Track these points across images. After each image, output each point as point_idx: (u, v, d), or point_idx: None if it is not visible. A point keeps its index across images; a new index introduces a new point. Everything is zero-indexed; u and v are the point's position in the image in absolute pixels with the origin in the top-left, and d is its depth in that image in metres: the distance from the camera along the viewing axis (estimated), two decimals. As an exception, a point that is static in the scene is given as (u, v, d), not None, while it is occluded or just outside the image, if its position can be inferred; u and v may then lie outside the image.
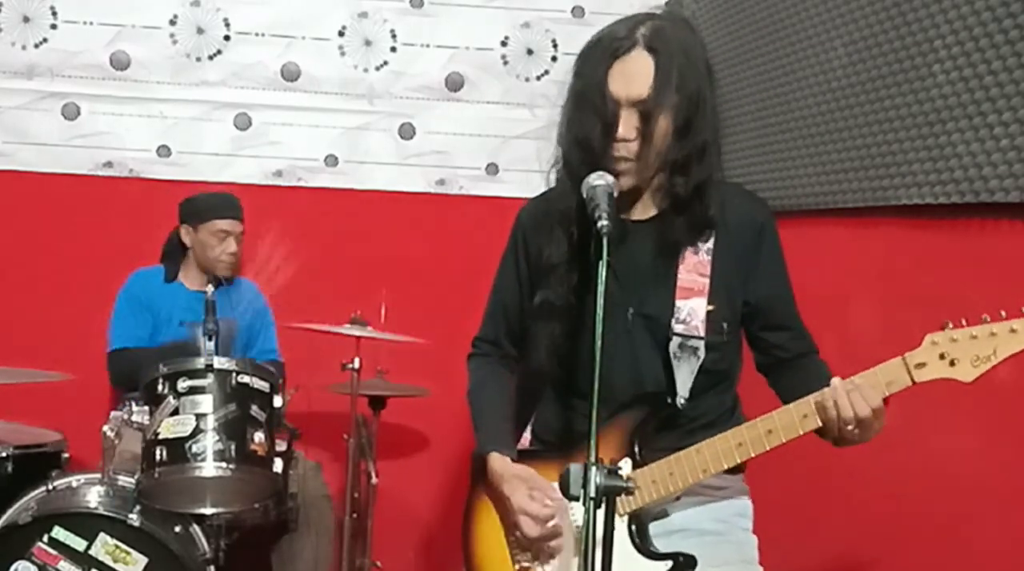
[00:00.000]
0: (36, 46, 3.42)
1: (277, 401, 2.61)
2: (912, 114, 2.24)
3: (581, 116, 1.71)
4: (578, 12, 3.59)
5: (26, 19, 3.41)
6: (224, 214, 3.19)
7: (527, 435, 2.00)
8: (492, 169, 3.63)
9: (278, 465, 2.56)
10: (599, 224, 1.52)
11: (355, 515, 3.02)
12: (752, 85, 2.95)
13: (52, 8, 3.41)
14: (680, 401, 1.76)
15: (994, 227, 2.04)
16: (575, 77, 1.75)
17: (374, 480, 2.99)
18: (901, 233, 2.34)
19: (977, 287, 2.00)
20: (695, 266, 1.77)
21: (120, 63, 3.46)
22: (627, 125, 1.67)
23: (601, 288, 1.47)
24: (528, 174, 3.21)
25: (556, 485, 1.78)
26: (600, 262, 1.48)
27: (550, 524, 1.78)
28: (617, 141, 1.68)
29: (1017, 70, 1.92)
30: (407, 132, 3.61)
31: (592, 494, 1.42)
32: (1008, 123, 1.95)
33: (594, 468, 1.42)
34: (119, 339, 3.16)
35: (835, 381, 1.60)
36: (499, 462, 1.84)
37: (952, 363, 1.52)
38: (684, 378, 1.76)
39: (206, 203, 3.21)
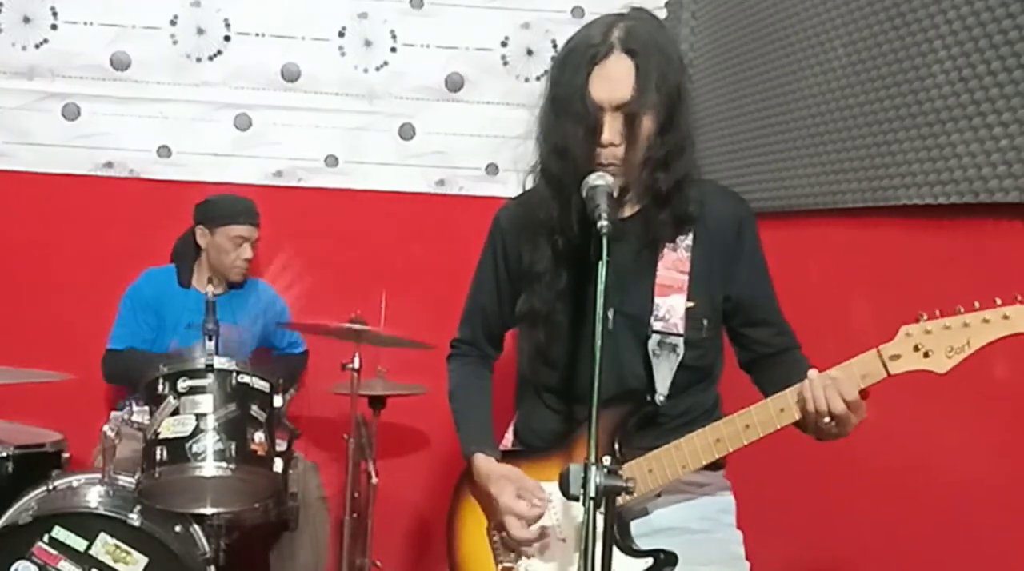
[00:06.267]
0: (36, 46, 3.42)
1: (277, 401, 2.62)
2: (912, 114, 2.24)
3: (562, 124, 1.71)
4: (578, 12, 3.59)
5: (26, 19, 3.41)
6: (243, 220, 3.19)
7: (509, 435, 2.01)
8: (492, 169, 3.64)
9: (278, 465, 2.56)
10: (599, 224, 1.53)
11: (355, 515, 3.02)
12: (752, 85, 2.95)
13: (52, 8, 3.41)
14: (659, 398, 1.77)
15: (994, 227, 2.04)
16: (553, 85, 1.75)
17: (374, 480, 2.99)
18: (901, 233, 2.34)
19: (977, 287, 1.99)
20: (674, 263, 1.78)
21: (120, 63, 3.46)
22: (612, 130, 1.67)
23: (601, 286, 1.48)
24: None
25: (543, 484, 1.79)
26: (600, 262, 1.49)
27: (537, 525, 1.78)
28: (603, 146, 1.68)
29: (1017, 70, 1.92)
30: (407, 132, 3.61)
31: (592, 494, 1.42)
32: (1008, 123, 1.95)
33: (594, 468, 1.43)
34: (117, 340, 3.16)
35: (811, 374, 1.60)
36: (484, 462, 1.85)
37: (926, 355, 1.53)
38: (663, 375, 1.77)
39: (225, 207, 3.21)
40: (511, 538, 1.79)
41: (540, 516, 1.78)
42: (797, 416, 1.63)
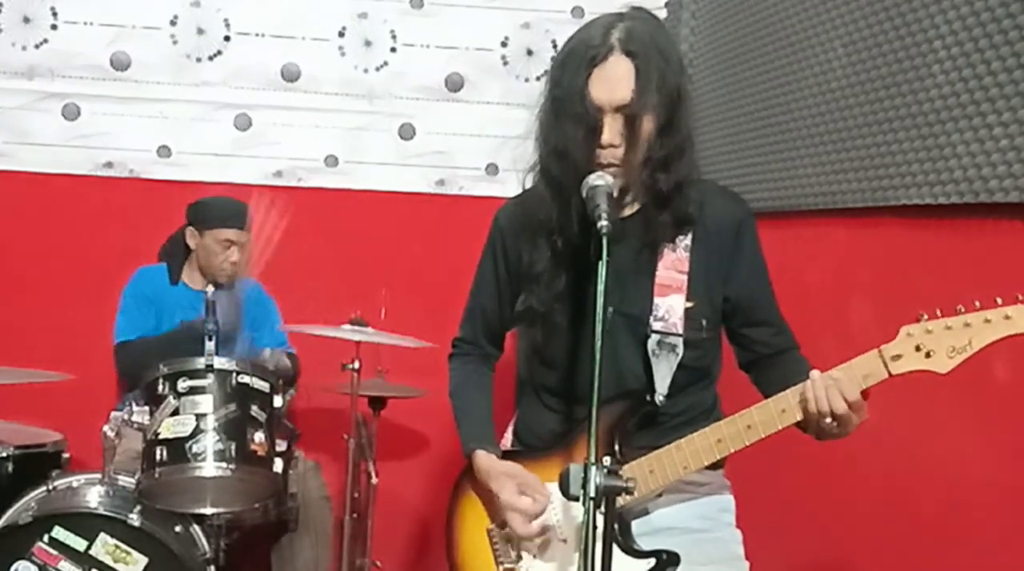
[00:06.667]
0: (36, 47, 3.42)
1: (277, 401, 2.61)
2: (912, 114, 2.24)
3: (561, 125, 1.71)
4: (578, 12, 3.59)
5: (26, 20, 3.41)
6: (231, 224, 3.18)
7: (508, 435, 2.01)
8: (492, 169, 3.64)
9: (278, 465, 2.56)
10: (599, 224, 1.53)
11: (355, 515, 3.02)
12: (752, 85, 2.95)
13: (52, 9, 3.41)
14: (659, 398, 1.77)
15: (994, 227, 2.04)
16: (553, 86, 1.74)
17: (374, 480, 2.99)
18: (901, 233, 2.34)
19: (977, 287, 1.99)
20: (673, 263, 1.78)
21: (120, 63, 3.46)
22: (612, 131, 1.67)
23: (601, 286, 1.48)
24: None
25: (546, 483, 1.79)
26: (600, 262, 1.49)
27: (539, 521, 1.78)
28: (603, 148, 1.68)
29: (1017, 70, 1.92)
30: (407, 132, 3.61)
31: (592, 494, 1.42)
32: (1008, 123, 1.95)
33: (594, 468, 1.43)
34: (124, 332, 3.17)
35: (814, 374, 1.60)
36: (485, 459, 1.85)
37: (928, 355, 1.53)
38: (663, 375, 1.77)
39: (215, 210, 3.21)
40: (515, 535, 1.79)
41: (542, 512, 1.78)
42: (799, 416, 1.63)
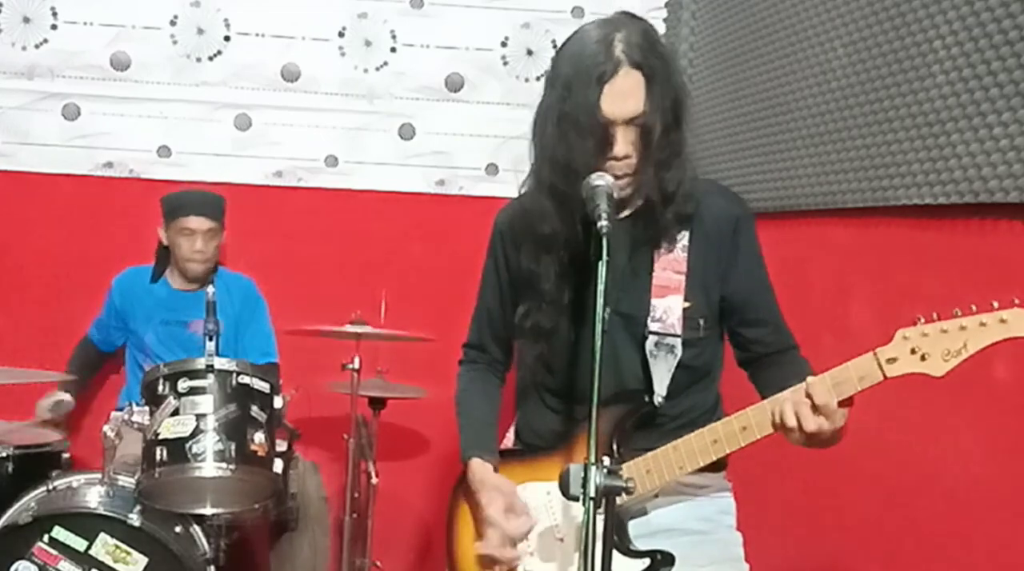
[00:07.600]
0: (36, 46, 3.42)
1: (277, 402, 2.61)
2: (911, 114, 2.24)
3: (572, 141, 1.68)
4: (578, 12, 3.59)
5: (26, 19, 3.41)
6: (189, 212, 3.18)
7: (510, 435, 2.01)
8: (492, 169, 3.64)
9: (278, 465, 2.56)
10: (599, 224, 1.53)
11: (355, 515, 3.03)
12: (752, 85, 2.95)
13: (52, 8, 3.42)
14: (658, 399, 1.77)
15: (993, 227, 2.04)
16: (559, 102, 1.71)
17: (374, 480, 3.00)
18: (901, 233, 2.34)
19: (976, 287, 2.00)
20: (670, 263, 1.78)
21: (120, 63, 3.46)
22: (625, 142, 1.67)
23: (601, 286, 1.48)
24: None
25: (543, 484, 1.79)
26: (599, 262, 1.49)
27: (513, 552, 1.78)
28: (618, 160, 1.68)
29: (1017, 70, 1.92)
30: (407, 132, 3.61)
31: (592, 494, 1.42)
32: (1008, 123, 1.95)
33: (594, 468, 1.43)
34: (92, 328, 3.37)
35: (804, 383, 1.58)
36: (480, 469, 1.85)
37: (923, 357, 1.52)
38: (661, 376, 1.76)
39: (177, 201, 3.22)
40: (484, 551, 1.79)
41: (521, 538, 1.78)
42: None
